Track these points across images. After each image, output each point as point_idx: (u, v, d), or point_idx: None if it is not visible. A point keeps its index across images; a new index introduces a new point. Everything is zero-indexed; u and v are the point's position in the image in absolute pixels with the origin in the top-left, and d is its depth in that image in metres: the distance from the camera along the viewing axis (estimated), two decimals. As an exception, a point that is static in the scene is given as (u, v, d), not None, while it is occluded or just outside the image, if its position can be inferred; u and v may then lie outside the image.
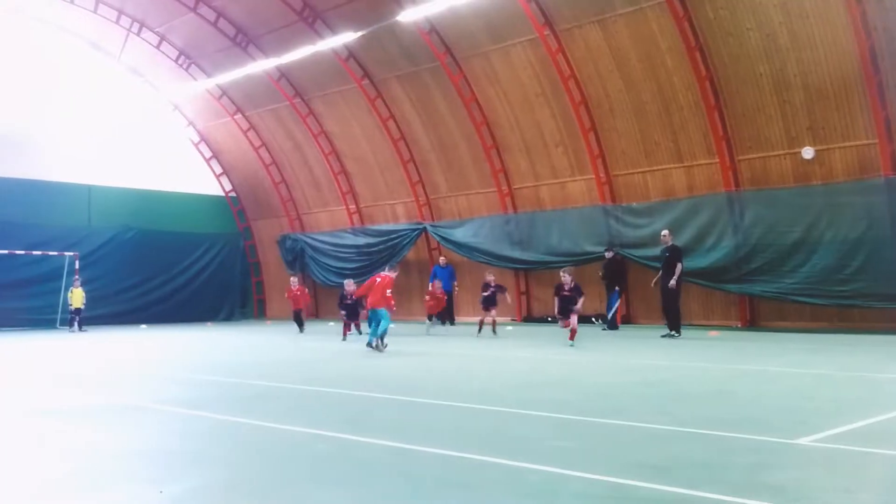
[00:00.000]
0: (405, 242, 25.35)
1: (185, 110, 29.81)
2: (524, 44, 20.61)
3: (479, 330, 17.29)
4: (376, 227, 26.53)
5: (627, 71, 19.16)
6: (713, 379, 9.06)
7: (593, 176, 20.53)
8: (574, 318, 13.77)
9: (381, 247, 25.96)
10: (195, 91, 27.66)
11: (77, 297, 22.92)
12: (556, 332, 15.69)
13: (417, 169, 24.97)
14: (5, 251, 23.62)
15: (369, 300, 13.47)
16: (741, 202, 17.84)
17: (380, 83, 24.35)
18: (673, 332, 15.69)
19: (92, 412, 7.06)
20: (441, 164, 24.42)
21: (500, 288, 17.70)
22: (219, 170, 30.78)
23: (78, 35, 27.18)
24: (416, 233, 25.10)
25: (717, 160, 18.22)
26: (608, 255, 18.94)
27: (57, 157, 26.17)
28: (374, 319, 13.30)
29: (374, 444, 5.32)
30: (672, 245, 16.28)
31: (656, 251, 17.55)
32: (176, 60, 27.81)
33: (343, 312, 17.82)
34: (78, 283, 23.24)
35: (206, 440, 5.76)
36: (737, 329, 17.83)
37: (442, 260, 23.34)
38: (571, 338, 13.74)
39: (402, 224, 25.71)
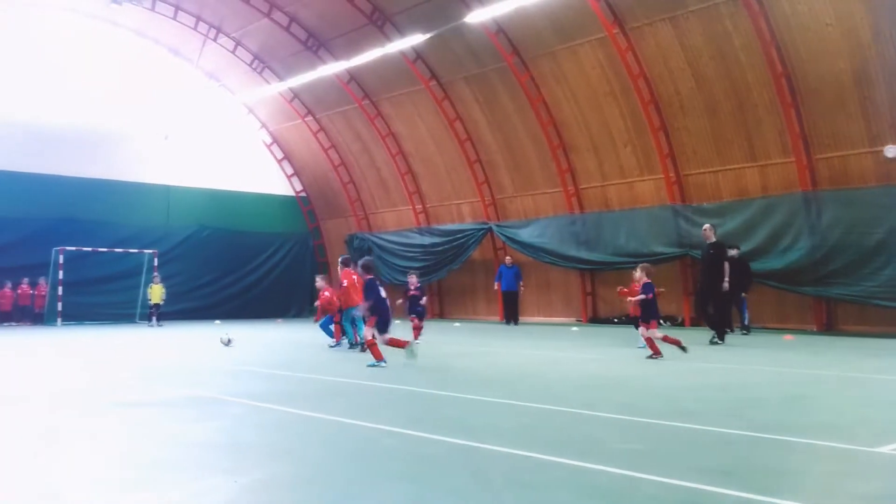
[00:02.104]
0: (471, 242, 25.41)
1: (258, 113, 30.55)
2: (592, 42, 20.41)
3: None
4: (442, 226, 26.67)
5: (699, 68, 18.77)
6: (789, 383, 8.80)
7: (662, 175, 20.19)
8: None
9: (446, 246, 26.09)
10: (268, 94, 28.33)
11: (156, 292, 23.69)
12: (624, 333, 15.49)
13: (483, 169, 25.00)
14: (90, 248, 24.67)
15: (355, 300, 13.34)
16: (818, 202, 17.26)
17: (447, 84, 24.48)
18: (717, 340, 14.17)
19: (173, 404, 7.32)
20: (507, 165, 24.39)
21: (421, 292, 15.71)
22: (290, 171, 31.45)
23: (158, 41, 28.16)
24: (481, 233, 25.13)
25: (794, 159, 17.68)
26: (732, 252, 16.85)
27: (138, 158, 27.19)
28: (352, 319, 13.88)
29: (440, 441, 5.37)
30: (716, 242, 14.71)
31: (731, 252, 16.96)
32: (250, 65, 28.53)
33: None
34: (157, 279, 24.02)
35: (277, 433, 5.91)
36: (812, 333, 17.27)
37: (508, 260, 23.28)
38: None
39: (468, 224, 25.77)
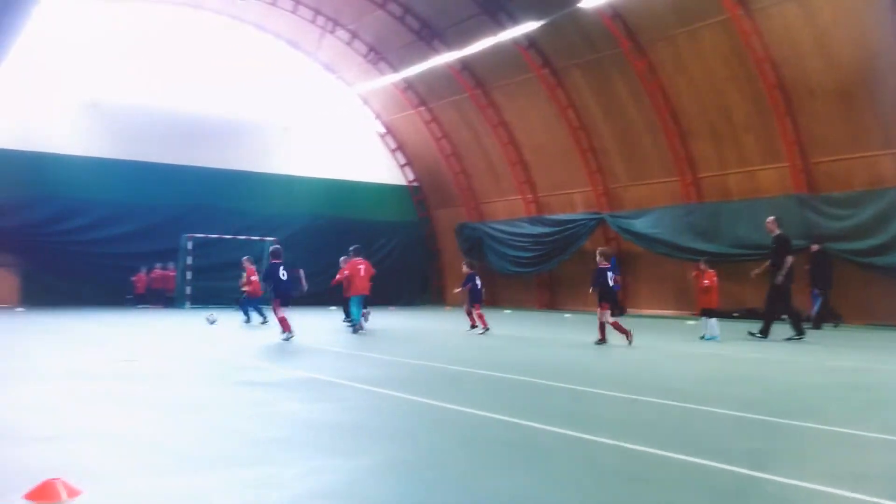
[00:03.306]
0: (583, 232, 25.04)
1: (372, 104, 31.17)
2: (714, 25, 19.61)
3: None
4: (553, 216, 26.40)
5: (830, 51, 17.71)
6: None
7: (788, 163, 19.21)
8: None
9: (557, 236, 25.82)
10: (382, 85, 28.84)
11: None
12: (743, 327, 14.88)
13: (596, 157, 24.55)
14: (216, 235, 25.95)
15: (361, 286, 14.86)
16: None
17: (560, 72, 24.16)
18: (757, 334, 13.65)
19: (291, 386, 7.60)
20: (621, 153, 23.85)
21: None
22: (402, 161, 31.93)
23: (279, 35, 29.17)
24: (593, 223, 24.71)
25: (936, 146, 16.43)
26: (813, 248, 17.27)
27: (261, 149, 28.33)
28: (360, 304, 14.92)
29: (551, 432, 5.32)
30: (779, 235, 13.91)
31: (861, 244, 16.06)
32: (365, 56, 29.12)
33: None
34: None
35: (392, 417, 6.02)
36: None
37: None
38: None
39: (580, 213, 25.39)
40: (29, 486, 3.60)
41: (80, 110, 25.41)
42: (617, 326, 12.45)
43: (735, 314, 20.39)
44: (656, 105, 21.64)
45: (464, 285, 16.03)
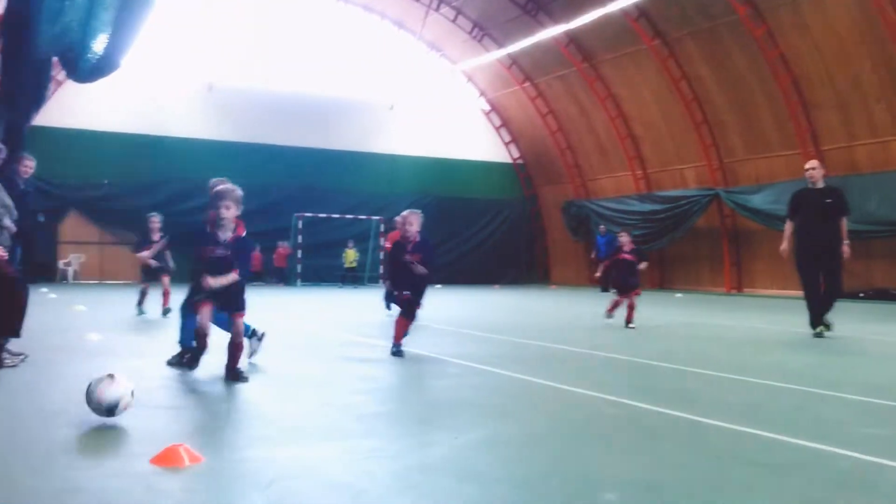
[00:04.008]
0: (695, 209, 24.21)
1: (476, 81, 31.08)
2: (840, -13, 18.42)
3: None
4: (664, 192, 25.63)
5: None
6: None
7: (923, 134, 17.89)
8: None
9: (667, 214, 25.07)
10: (487, 62, 28.69)
11: (350, 257, 26.09)
12: (871, 308, 14.01)
13: (711, 131, 23.62)
14: (324, 215, 26.66)
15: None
16: None
17: (672, 42, 23.31)
18: (821, 329, 10.12)
19: (394, 361, 7.72)
20: (738, 126, 22.84)
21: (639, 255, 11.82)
22: (507, 138, 31.75)
23: (384, 15, 29.47)
24: (707, 199, 23.84)
25: None
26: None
27: (367, 129, 28.82)
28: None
29: (662, 413, 5.17)
30: (830, 187, 10.73)
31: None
32: (469, 33, 29.01)
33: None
34: (351, 244, 26.33)
35: (496, 394, 6.01)
36: None
37: (602, 229, 22.92)
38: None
39: (692, 189, 24.55)
40: (154, 452, 3.80)
41: (197, 94, 26.56)
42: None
43: (861, 294, 19.28)
44: (777, 74, 20.56)
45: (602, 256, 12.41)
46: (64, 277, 24.52)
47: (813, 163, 10.67)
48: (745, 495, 3.42)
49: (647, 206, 25.84)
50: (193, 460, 3.75)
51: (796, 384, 6.46)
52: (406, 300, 7.88)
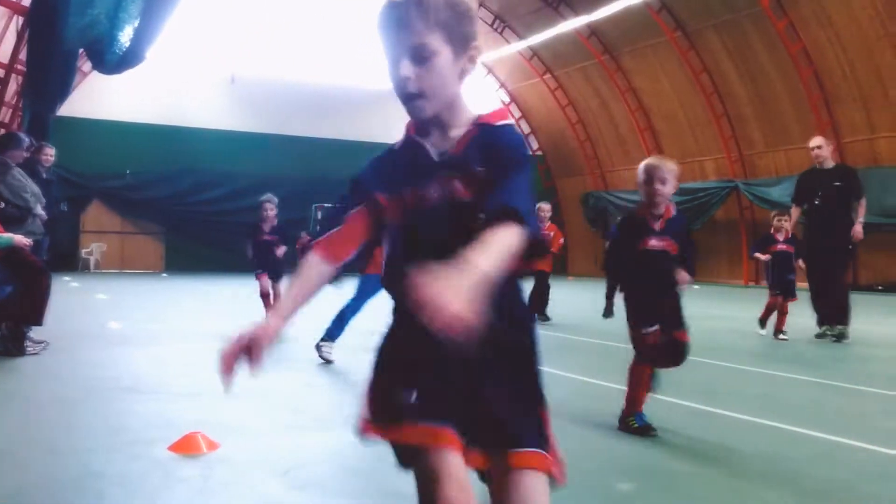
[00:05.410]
0: (714, 201, 24.04)
1: (497, 73, 30.98)
2: (865, -22, 18.16)
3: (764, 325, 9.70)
4: (683, 184, 25.40)
5: None
6: None
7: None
8: None
9: (687, 205, 24.88)
10: (507, 53, 28.59)
11: None
12: (883, 302, 13.86)
13: (731, 123, 23.42)
14: (329, 204, 26.78)
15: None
16: None
17: (693, 34, 23.11)
18: (835, 331, 8.96)
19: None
20: (758, 118, 22.63)
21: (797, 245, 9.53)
22: (526, 129, 31.64)
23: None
24: (725, 191, 23.68)
25: None
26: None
27: (383, 120, 28.82)
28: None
29: (678, 405, 5.16)
30: (842, 167, 9.97)
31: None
32: (491, 24, 28.90)
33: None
34: None
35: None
36: None
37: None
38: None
39: (712, 182, 24.38)
40: (173, 439, 3.85)
41: (218, 85, 26.71)
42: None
43: (879, 287, 19.15)
44: (799, 67, 20.34)
45: (761, 248, 9.65)
46: (85, 266, 24.80)
47: (818, 140, 9.34)
48: (763, 486, 3.42)
49: (667, 199, 25.65)
50: (211, 447, 3.80)
51: (813, 376, 6.42)
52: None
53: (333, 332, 6.87)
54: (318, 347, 6.86)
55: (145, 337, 8.44)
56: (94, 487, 3.25)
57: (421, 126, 1.83)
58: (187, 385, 5.67)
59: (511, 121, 1.87)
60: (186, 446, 3.78)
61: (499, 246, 1.45)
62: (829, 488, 3.44)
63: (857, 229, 8.82)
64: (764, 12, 20.33)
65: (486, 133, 1.78)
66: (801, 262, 9.23)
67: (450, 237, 1.62)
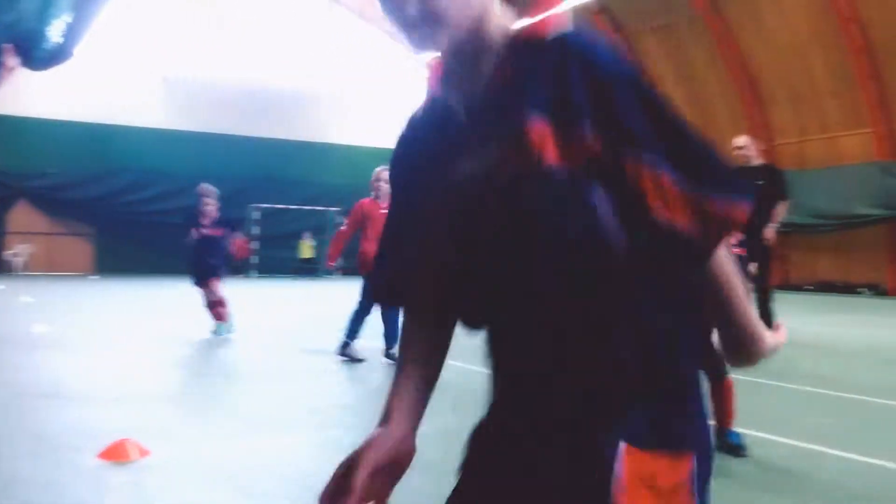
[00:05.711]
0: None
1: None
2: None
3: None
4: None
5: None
6: None
7: (871, 129, 18.31)
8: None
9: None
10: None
11: (305, 249, 26.20)
12: (810, 301, 14.29)
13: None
14: (281, 206, 26.36)
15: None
16: None
17: (632, 36, 23.45)
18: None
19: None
20: (693, 120, 22.79)
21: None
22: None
23: (348, 6, 29.17)
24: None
25: None
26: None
27: (323, 119, 28.54)
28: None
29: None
30: (767, 164, 9.54)
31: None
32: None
33: None
34: (307, 236, 26.29)
35: (450, 389, 5.96)
36: None
37: None
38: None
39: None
40: (101, 446, 3.67)
41: (151, 83, 26.00)
42: None
43: (806, 287, 19.81)
44: (732, 69, 20.86)
45: None
46: (11, 268, 23.82)
47: (742, 139, 8.84)
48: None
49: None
50: (142, 454, 3.64)
51: (741, 374, 6.51)
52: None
53: (352, 333, 6.93)
54: (342, 353, 6.84)
55: (72, 341, 8.10)
56: (20, 495, 3.07)
57: (444, 71, 1.12)
58: (115, 390, 5.43)
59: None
60: (116, 453, 3.60)
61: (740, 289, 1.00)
62: (758, 483, 3.46)
63: (769, 232, 8.39)
64: (699, 15, 20.77)
65: (541, 51, 1.03)
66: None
67: (557, 280, 0.97)
